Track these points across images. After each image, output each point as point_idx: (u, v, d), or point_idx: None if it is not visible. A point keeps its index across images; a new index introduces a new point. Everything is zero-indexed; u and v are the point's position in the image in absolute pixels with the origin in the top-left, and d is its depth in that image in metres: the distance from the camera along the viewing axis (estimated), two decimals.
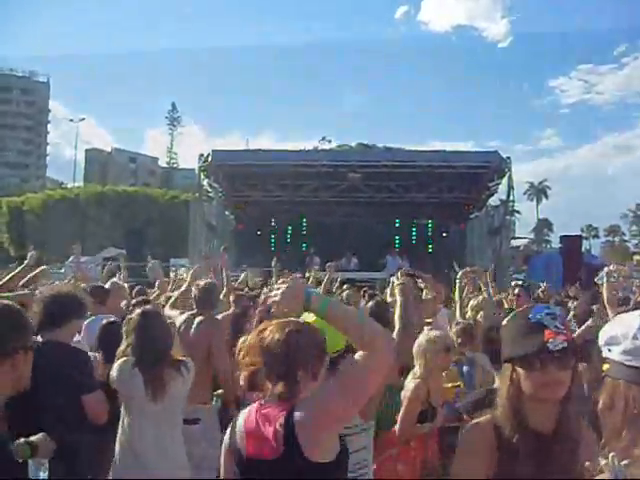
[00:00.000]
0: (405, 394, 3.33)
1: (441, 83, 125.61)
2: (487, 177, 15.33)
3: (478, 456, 1.73)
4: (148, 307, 3.53)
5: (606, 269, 4.31)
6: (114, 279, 6.31)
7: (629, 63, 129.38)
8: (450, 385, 3.78)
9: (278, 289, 1.74)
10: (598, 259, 19.40)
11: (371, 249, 15.64)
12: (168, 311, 4.53)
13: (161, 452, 3.02)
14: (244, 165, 15.63)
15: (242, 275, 9.64)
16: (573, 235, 20.05)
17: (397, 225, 17.91)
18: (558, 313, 1.76)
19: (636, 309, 1.75)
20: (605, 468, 1.16)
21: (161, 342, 3.13)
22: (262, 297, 6.57)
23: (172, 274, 11.92)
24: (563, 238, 18.72)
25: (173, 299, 4.90)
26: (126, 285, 6.18)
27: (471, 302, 5.19)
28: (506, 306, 5.64)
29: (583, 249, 21.13)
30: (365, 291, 7.83)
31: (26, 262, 4.97)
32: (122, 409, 3.09)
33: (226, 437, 1.89)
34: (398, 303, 3.46)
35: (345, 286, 8.36)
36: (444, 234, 17.95)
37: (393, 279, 4.16)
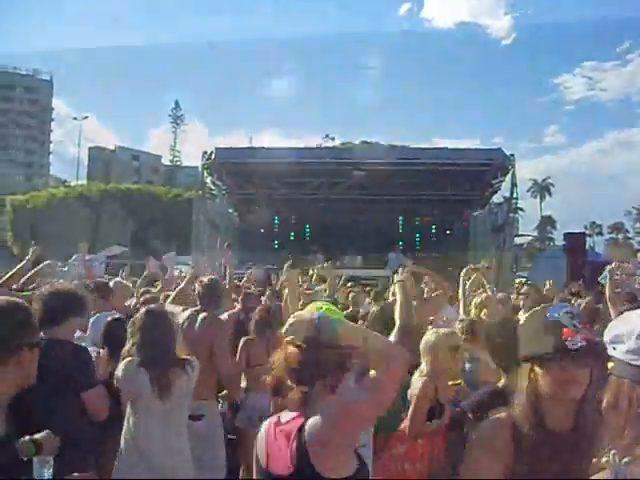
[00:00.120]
0: (413, 392, 3.32)
1: (444, 80, 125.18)
2: (490, 174, 15.33)
3: (494, 452, 1.74)
4: (153, 306, 3.53)
5: (609, 267, 4.30)
6: (117, 278, 6.32)
7: (633, 60, 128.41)
8: (450, 383, 3.77)
9: (288, 322, 1.75)
10: (602, 256, 19.31)
11: (375, 246, 15.65)
12: (170, 307, 4.49)
13: (167, 450, 3.03)
14: (247, 163, 15.65)
15: (247, 272, 9.59)
16: (577, 232, 20.01)
17: (401, 222, 17.92)
18: (576, 312, 1.76)
19: None
20: (606, 465, 1.17)
21: (166, 341, 3.14)
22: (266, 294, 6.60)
23: (176, 272, 11.89)
24: (567, 235, 18.70)
25: (171, 297, 4.88)
26: (130, 284, 6.20)
27: (475, 299, 5.17)
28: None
29: (587, 246, 21.06)
30: (369, 290, 7.83)
31: (27, 258, 4.95)
32: (127, 408, 3.10)
33: (255, 447, 1.89)
34: (398, 302, 3.45)
35: (349, 284, 8.37)
36: (447, 231, 17.96)
37: (395, 276, 4.15)
